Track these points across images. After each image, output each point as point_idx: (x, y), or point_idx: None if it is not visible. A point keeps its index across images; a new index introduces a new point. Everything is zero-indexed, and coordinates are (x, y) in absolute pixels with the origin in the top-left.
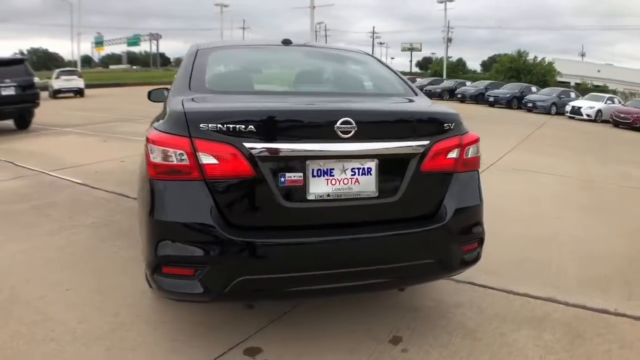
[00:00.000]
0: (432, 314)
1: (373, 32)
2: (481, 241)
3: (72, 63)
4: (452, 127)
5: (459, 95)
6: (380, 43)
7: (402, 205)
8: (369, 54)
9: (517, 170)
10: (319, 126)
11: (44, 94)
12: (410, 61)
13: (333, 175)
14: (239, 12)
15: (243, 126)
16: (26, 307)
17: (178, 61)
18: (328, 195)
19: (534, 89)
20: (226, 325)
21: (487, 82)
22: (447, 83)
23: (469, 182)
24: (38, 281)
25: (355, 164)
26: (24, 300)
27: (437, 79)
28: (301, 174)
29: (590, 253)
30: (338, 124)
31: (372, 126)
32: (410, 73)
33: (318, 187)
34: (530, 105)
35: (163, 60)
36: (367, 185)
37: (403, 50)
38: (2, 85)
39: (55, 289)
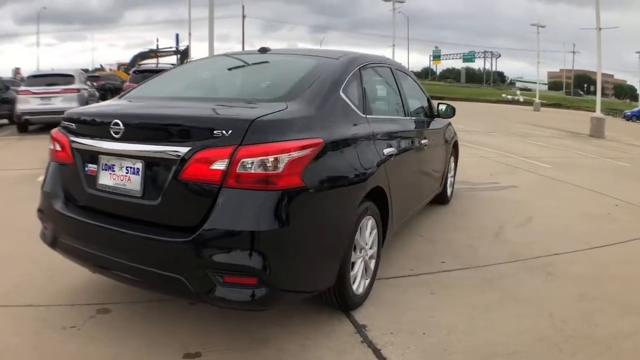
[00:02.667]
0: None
1: None
2: (262, 281)
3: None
4: (226, 136)
5: None
6: None
7: (162, 211)
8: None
9: None
10: (103, 126)
11: None
12: None
13: (114, 171)
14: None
15: (73, 125)
16: None
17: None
18: (109, 187)
19: None
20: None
21: None
22: None
23: (246, 201)
24: None
25: (129, 163)
26: None
27: None
28: (96, 167)
29: None
30: (111, 125)
31: (137, 129)
32: None
33: (104, 179)
34: None
35: (501, 79)
36: (135, 184)
37: None
38: None
39: None
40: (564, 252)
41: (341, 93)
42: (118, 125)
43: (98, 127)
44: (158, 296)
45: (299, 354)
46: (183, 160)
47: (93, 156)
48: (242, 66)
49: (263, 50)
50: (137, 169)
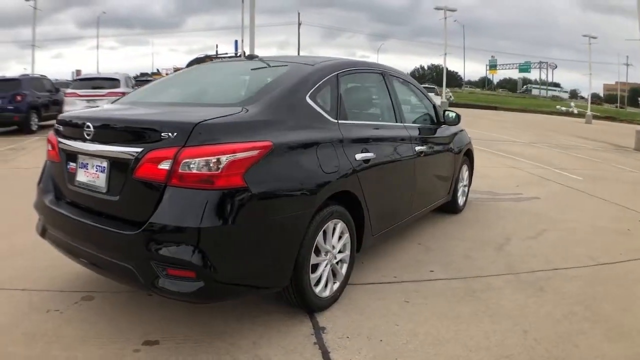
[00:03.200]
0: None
1: None
2: (200, 275)
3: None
4: (171, 138)
5: None
6: None
7: (121, 205)
8: (302, 66)
9: None
10: (79, 129)
11: None
12: None
13: (87, 169)
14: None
15: (61, 127)
16: None
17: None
18: (84, 184)
19: None
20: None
21: None
22: None
23: (187, 199)
24: None
25: (98, 162)
26: None
27: None
28: (75, 165)
29: None
30: (84, 127)
31: (103, 131)
32: None
33: (80, 177)
34: None
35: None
36: (102, 181)
37: None
38: None
39: None
40: (565, 267)
41: (307, 99)
42: (89, 127)
43: (76, 129)
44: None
45: (250, 350)
46: (137, 160)
47: (73, 155)
48: (224, 73)
49: (250, 57)
50: (104, 167)
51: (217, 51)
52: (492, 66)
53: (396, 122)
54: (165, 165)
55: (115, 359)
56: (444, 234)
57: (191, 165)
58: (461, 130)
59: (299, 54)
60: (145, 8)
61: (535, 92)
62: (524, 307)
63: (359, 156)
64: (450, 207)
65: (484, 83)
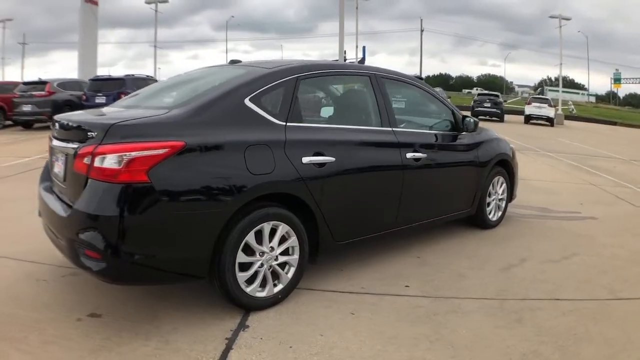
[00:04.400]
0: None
1: None
2: (104, 257)
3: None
4: (94, 136)
5: None
6: None
7: (68, 192)
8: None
9: None
10: (53, 128)
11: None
12: None
13: (59, 162)
14: None
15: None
16: None
17: None
18: (55, 174)
19: None
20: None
21: None
22: None
23: (98, 190)
24: None
25: (61, 155)
26: None
27: None
28: (53, 158)
29: None
30: (55, 127)
31: (63, 130)
32: None
33: (54, 168)
34: None
35: None
36: (61, 172)
37: None
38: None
39: None
40: (569, 298)
41: (247, 101)
42: (56, 127)
43: (53, 129)
44: None
45: (165, 334)
46: (75, 154)
47: (52, 150)
48: (195, 78)
49: (232, 62)
50: (63, 160)
51: (345, 57)
52: (617, 80)
53: (381, 126)
54: (87, 160)
55: (59, 323)
56: (451, 249)
57: (102, 161)
58: (492, 139)
59: (421, 60)
60: (279, 13)
61: None
62: (480, 339)
63: (306, 159)
64: (479, 222)
65: (610, 97)
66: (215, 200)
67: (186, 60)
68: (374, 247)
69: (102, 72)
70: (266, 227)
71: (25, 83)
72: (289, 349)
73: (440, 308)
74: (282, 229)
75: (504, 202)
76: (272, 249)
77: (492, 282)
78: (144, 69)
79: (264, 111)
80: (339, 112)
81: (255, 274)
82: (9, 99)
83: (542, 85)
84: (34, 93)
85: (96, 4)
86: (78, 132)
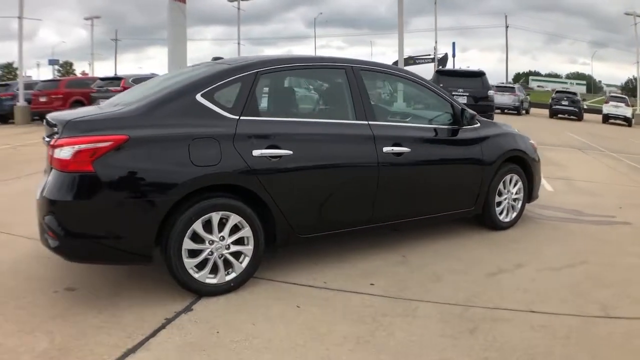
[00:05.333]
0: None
1: None
2: (57, 237)
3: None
4: (60, 131)
5: None
6: None
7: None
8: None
9: None
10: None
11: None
12: None
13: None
14: None
15: None
16: None
17: None
18: (47, 164)
19: None
20: None
21: None
22: None
23: (55, 178)
24: None
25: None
26: None
27: None
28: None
29: None
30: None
31: (47, 126)
32: None
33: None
34: None
35: None
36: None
37: None
38: (456, 94)
39: None
40: (546, 312)
41: (199, 97)
42: (44, 124)
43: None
44: None
45: (118, 311)
46: (50, 147)
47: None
48: (173, 76)
49: (215, 60)
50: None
51: (434, 52)
52: None
53: (355, 119)
54: (51, 152)
55: (38, 293)
56: (443, 249)
57: (60, 152)
58: (501, 134)
59: (507, 57)
60: (371, 9)
61: None
62: (416, 346)
63: (257, 152)
64: (487, 222)
65: None
66: (156, 189)
67: None
68: (359, 243)
69: None
70: (215, 216)
71: (102, 79)
72: (214, 334)
73: (392, 310)
74: (233, 219)
75: (520, 202)
76: (223, 238)
77: (468, 287)
78: None
79: (216, 106)
80: (303, 105)
81: (206, 261)
82: (88, 94)
83: (628, 85)
84: (110, 88)
85: (184, 2)
86: (52, 128)
